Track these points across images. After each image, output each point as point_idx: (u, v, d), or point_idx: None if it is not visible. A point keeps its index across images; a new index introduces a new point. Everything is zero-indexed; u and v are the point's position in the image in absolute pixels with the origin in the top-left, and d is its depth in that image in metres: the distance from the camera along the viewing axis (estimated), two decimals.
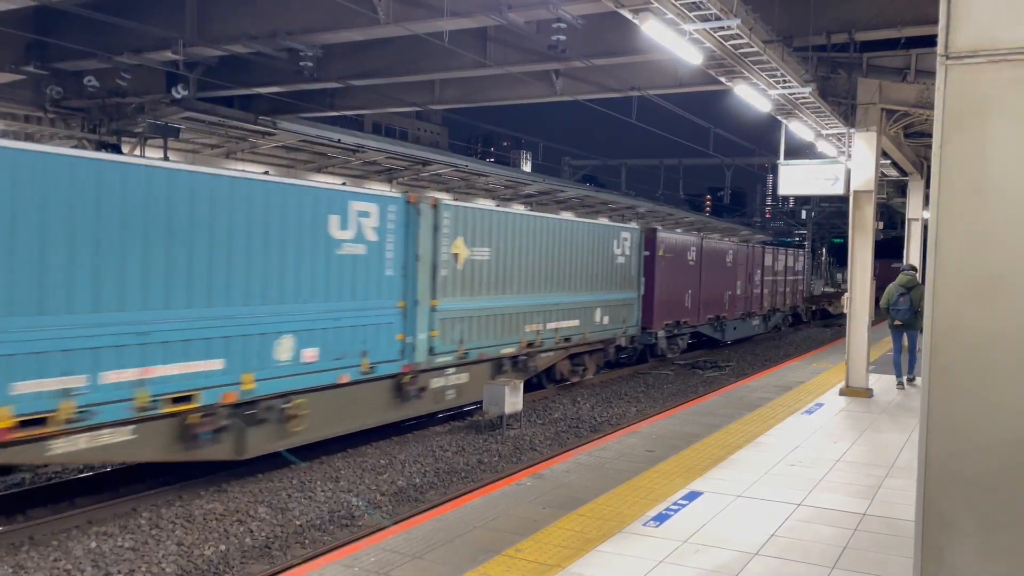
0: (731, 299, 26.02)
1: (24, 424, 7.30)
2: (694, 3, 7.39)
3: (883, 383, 13.26)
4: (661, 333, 20.75)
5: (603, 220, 21.40)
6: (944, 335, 2.81)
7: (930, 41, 11.31)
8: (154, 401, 8.36)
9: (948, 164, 2.78)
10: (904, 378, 13.17)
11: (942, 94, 2.76)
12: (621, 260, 18.40)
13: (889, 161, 17.71)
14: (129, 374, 8.12)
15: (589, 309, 16.91)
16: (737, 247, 27.28)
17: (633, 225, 20.56)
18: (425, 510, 7.93)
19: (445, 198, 13.37)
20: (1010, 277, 2.71)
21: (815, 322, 37.00)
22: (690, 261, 22.53)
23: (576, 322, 16.44)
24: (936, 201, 2.81)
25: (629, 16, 7.68)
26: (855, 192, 12.32)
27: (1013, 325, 2.71)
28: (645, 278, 19.74)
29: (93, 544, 7.62)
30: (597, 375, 18.02)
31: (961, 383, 2.79)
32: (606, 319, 17.65)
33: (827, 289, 52.51)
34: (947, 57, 2.74)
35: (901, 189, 23.01)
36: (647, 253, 19.94)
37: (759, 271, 28.83)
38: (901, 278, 12.98)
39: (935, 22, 2.88)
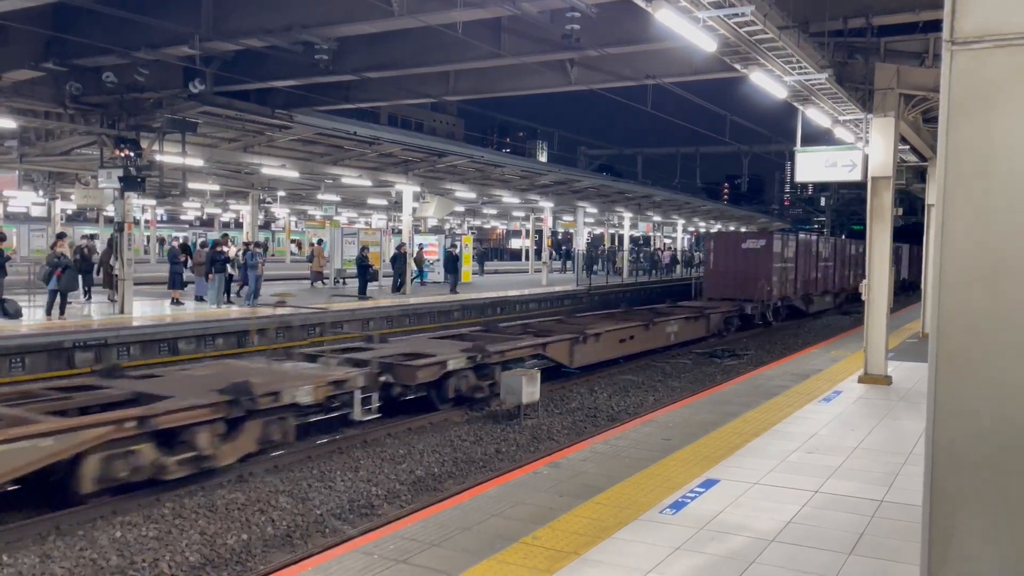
0: None
1: None
2: None
3: (902, 370, 13.18)
4: None
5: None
6: (950, 319, 2.81)
7: None
8: None
9: (954, 150, 2.78)
10: None
11: (948, 80, 2.75)
12: None
13: (907, 147, 17.54)
14: None
15: None
16: None
17: None
18: (443, 499, 8.00)
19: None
20: (1016, 262, 2.71)
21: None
22: None
23: None
24: (943, 187, 2.81)
25: (642, 4, 7.67)
26: (873, 178, 12.22)
27: (1019, 309, 2.72)
28: None
29: (118, 533, 7.76)
30: None
31: (968, 366, 2.80)
32: None
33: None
34: (953, 43, 2.73)
35: (920, 175, 22.78)
36: None
37: None
38: None
39: None
